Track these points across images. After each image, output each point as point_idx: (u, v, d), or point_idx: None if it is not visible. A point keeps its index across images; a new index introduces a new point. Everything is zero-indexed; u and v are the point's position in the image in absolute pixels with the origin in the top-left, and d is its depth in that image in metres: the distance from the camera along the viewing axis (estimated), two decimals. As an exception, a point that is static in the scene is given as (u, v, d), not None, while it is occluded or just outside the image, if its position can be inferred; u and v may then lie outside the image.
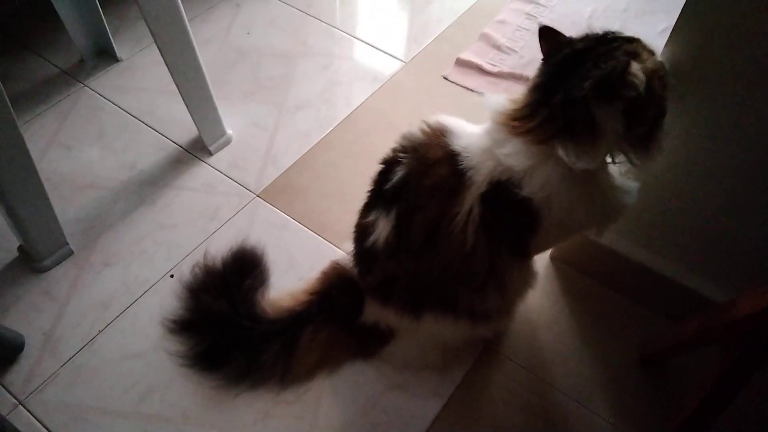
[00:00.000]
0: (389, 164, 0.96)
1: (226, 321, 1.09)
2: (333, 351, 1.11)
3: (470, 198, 0.87)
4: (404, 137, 0.96)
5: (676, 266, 1.15)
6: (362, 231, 0.99)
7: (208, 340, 1.10)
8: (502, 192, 0.85)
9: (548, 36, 0.90)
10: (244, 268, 1.17)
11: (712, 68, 0.88)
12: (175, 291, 1.19)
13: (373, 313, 1.07)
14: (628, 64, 0.76)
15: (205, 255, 1.23)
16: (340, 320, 1.11)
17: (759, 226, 1.01)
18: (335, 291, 1.12)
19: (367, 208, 1.00)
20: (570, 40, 0.88)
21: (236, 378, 1.08)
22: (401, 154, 0.94)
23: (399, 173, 0.92)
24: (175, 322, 1.14)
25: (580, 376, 1.14)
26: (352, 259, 1.07)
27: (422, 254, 0.92)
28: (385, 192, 0.94)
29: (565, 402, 1.11)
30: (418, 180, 0.91)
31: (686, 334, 0.98)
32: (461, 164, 0.88)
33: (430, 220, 0.90)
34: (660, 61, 0.85)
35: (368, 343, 1.13)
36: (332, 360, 1.12)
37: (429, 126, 0.95)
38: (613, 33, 0.87)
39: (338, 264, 1.16)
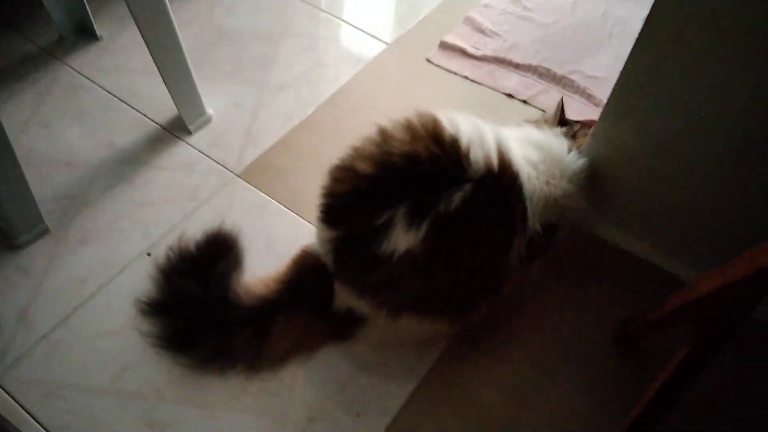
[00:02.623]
0: (435, 172, 0.91)
1: (199, 304, 1.08)
2: (306, 338, 1.11)
3: (527, 229, 0.98)
4: (469, 160, 0.92)
5: (652, 248, 1.16)
6: (362, 227, 0.95)
7: (179, 323, 1.09)
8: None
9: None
10: (217, 252, 1.16)
11: (691, 51, 0.88)
12: (151, 270, 1.17)
13: (345, 301, 1.07)
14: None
15: (179, 237, 1.22)
16: (312, 308, 1.10)
17: (734, 209, 1.03)
18: (306, 279, 1.11)
19: (370, 201, 0.94)
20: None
21: (206, 360, 1.07)
22: (466, 184, 0.91)
23: (459, 195, 0.90)
24: (147, 303, 1.12)
25: (555, 353, 1.15)
26: (325, 245, 1.03)
27: (460, 277, 0.96)
28: (426, 204, 0.90)
29: (539, 380, 1.12)
30: (483, 208, 0.92)
31: (659, 313, 0.99)
32: (524, 194, 0.98)
33: (488, 250, 0.95)
34: None
35: (343, 327, 1.13)
36: (306, 347, 1.12)
37: (499, 151, 0.95)
38: None
39: (308, 251, 1.14)
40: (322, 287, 1.08)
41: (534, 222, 0.99)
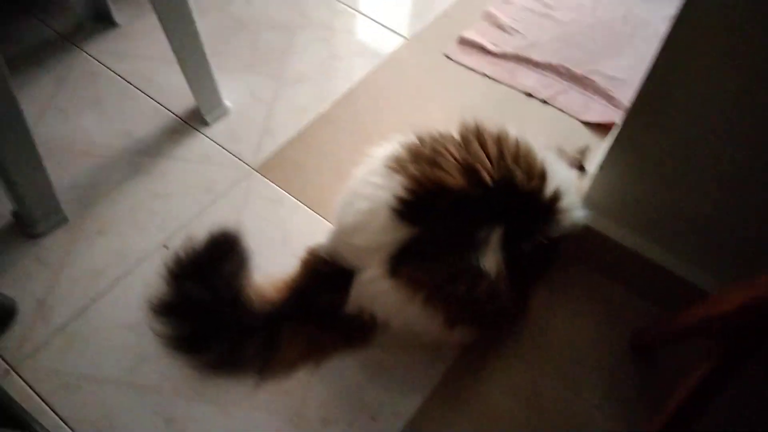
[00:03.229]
0: (527, 209, 0.98)
1: (206, 309, 1.05)
2: (315, 349, 1.09)
3: None
4: (559, 216, 1.02)
5: (671, 256, 1.16)
6: (453, 234, 0.95)
7: (187, 326, 1.06)
8: None
9: None
10: (221, 253, 1.11)
11: (718, 55, 0.87)
12: (161, 269, 1.11)
13: (360, 301, 1.04)
14: None
15: (188, 238, 1.17)
16: (321, 316, 1.07)
17: (756, 218, 1.02)
18: (314, 286, 1.08)
19: (461, 208, 0.94)
20: None
21: (214, 365, 1.06)
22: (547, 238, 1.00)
23: (536, 242, 0.98)
24: (157, 304, 1.08)
25: (571, 361, 1.15)
26: (388, 244, 0.97)
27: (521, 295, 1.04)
28: (512, 235, 0.95)
29: (555, 387, 1.12)
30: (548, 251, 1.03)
31: (678, 325, 0.98)
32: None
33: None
34: None
35: (355, 333, 1.11)
36: (316, 357, 1.10)
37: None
38: None
39: (316, 254, 1.10)
40: (331, 293, 1.05)
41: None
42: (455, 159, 0.96)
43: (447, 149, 0.97)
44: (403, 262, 0.96)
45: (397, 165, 0.98)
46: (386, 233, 0.96)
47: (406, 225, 0.94)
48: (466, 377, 1.12)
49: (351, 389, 1.10)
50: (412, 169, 0.96)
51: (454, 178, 0.93)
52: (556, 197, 0.99)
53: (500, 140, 1.00)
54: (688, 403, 0.87)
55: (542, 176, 0.99)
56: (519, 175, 0.96)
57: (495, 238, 0.93)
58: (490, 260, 0.94)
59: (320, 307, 1.06)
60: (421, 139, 1.02)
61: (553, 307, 1.22)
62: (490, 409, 1.09)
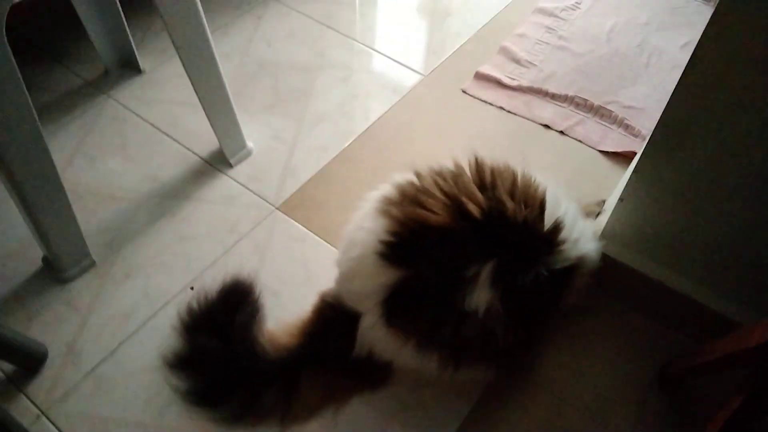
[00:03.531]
0: (523, 241, 0.94)
1: (222, 361, 1.02)
2: (336, 391, 1.07)
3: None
4: (562, 250, 0.98)
5: (698, 286, 1.14)
6: (440, 274, 0.92)
7: (204, 380, 1.02)
8: None
9: None
10: (234, 303, 1.07)
11: (736, 87, 0.87)
12: (174, 322, 1.08)
13: (367, 343, 1.02)
14: None
15: (197, 290, 1.19)
16: (337, 360, 1.05)
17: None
18: (327, 330, 1.05)
19: (448, 245, 0.91)
20: None
21: (235, 418, 1.02)
22: (547, 270, 0.94)
23: (536, 275, 0.93)
24: (172, 358, 1.04)
25: (599, 395, 1.13)
26: (378, 289, 0.95)
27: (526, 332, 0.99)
28: (505, 269, 0.91)
29: (584, 421, 1.10)
30: (551, 285, 0.97)
31: (708, 357, 0.97)
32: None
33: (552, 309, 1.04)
34: None
35: (369, 375, 1.08)
36: (336, 399, 1.07)
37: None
38: None
39: (326, 299, 1.08)
40: (340, 337, 1.03)
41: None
42: (443, 194, 0.94)
43: (437, 184, 0.95)
44: (395, 307, 0.95)
45: (384, 207, 0.97)
46: (375, 278, 0.95)
47: (394, 268, 0.92)
48: (492, 413, 1.11)
49: (377, 427, 1.09)
50: (395, 210, 0.95)
51: (437, 215, 0.91)
52: (557, 228, 0.96)
53: (496, 172, 0.97)
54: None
55: (541, 206, 0.96)
56: (510, 205, 0.92)
57: (485, 273, 0.89)
58: (480, 298, 0.89)
59: (333, 351, 1.04)
60: (418, 175, 1.00)
61: (579, 340, 1.20)
62: (519, 447, 1.08)
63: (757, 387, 0.83)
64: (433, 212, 0.92)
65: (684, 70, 0.92)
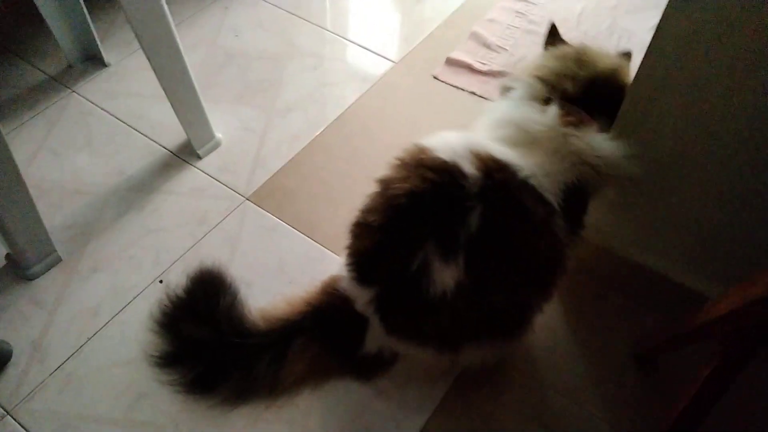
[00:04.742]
0: (442, 201, 0.89)
1: (214, 345, 1.04)
2: (320, 367, 1.08)
3: (558, 219, 0.92)
4: (462, 174, 0.89)
5: (669, 262, 1.15)
6: (403, 281, 0.91)
7: (198, 368, 1.04)
8: (572, 191, 0.95)
9: (554, 34, 1.14)
10: (213, 289, 1.10)
11: (700, 61, 0.87)
12: (152, 324, 1.09)
13: (377, 343, 1.05)
14: None
15: (166, 287, 1.19)
16: (334, 342, 1.07)
17: (751, 220, 1.01)
18: (333, 310, 1.07)
19: (397, 250, 0.91)
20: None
21: (233, 397, 1.05)
22: (473, 201, 0.87)
23: (477, 218, 0.87)
24: (161, 357, 1.06)
25: (574, 374, 1.13)
26: (367, 307, 0.99)
27: (516, 288, 0.92)
28: (452, 236, 0.87)
29: (560, 400, 1.10)
30: (516, 229, 0.89)
31: (680, 331, 0.97)
32: (544, 196, 0.92)
33: (534, 260, 0.91)
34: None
35: (369, 370, 1.10)
36: (318, 375, 1.09)
37: (483, 160, 0.91)
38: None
39: (338, 286, 1.08)
40: (348, 325, 1.05)
41: (557, 198, 0.94)
42: (376, 204, 0.94)
43: (370, 198, 0.96)
44: (386, 318, 0.98)
45: (353, 226, 1.00)
46: (360, 299, 1.00)
47: (366, 288, 0.97)
48: (468, 397, 1.10)
49: (352, 414, 1.08)
50: (353, 229, 0.99)
51: (375, 221, 0.92)
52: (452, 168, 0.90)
53: (402, 162, 0.95)
54: (692, 405, 0.86)
55: (439, 166, 0.91)
56: (418, 182, 0.89)
57: (432, 254, 0.88)
58: (445, 275, 0.88)
59: (336, 328, 1.06)
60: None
61: (555, 321, 1.20)
62: (495, 425, 1.07)
63: (726, 355, 0.83)
64: (374, 225, 0.93)
65: (648, 46, 0.92)
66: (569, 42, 1.18)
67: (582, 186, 0.97)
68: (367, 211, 0.96)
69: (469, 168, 0.89)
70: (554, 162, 0.96)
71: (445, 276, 0.87)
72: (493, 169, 0.90)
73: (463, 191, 0.88)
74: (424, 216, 0.89)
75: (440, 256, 0.87)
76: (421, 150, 0.94)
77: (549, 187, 0.93)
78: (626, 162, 0.99)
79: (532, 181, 0.91)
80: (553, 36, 1.18)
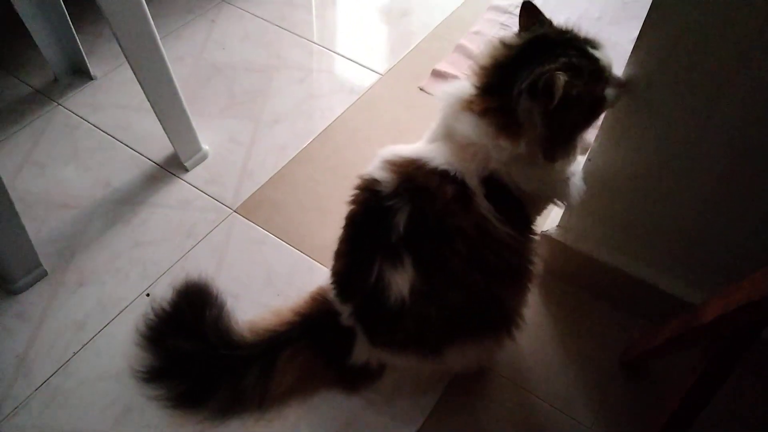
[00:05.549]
0: (373, 213, 0.93)
1: (201, 358, 1.04)
2: (309, 377, 1.09)
3: (480, 201, 0.90)
4: (377, 182, 0.92)
5: (653, 270, 1.16)
6: (369, 294, 0.94)
7: (185, 383, 1.05)
8: (493, 184, 0.90)
9: (530, 12, 0.94)
10: (198, 302, 1.11)
11: (680, 71, 0.89)
12: (137, 338, 1.12)
13: (365, 354, 1.06)
14: (553, 76, 0.79)
15: (152, 300, 1.20)
16: (322, 352, 1.08)
17: (735, 228, 1.02)
18: (321, 320, 1.08)
19: (359, 267, 0.95)
20: (546, 23, 0.94)
21: (222, 410, 1.05)
22: (392, 201, 0.90)
23: (403, 217, 0.89)
24: (147, 372, 1.07)
25: (561, 383, 1.14)
26: (353, 322, 1.03)
27: (465, 277, 0.91)
28: (390, 242, 0.90)
29: (547, 409, 1.11)
30: (435, 214, 0.89)
31: (664, 338, 0.98)
32: (457, 178, 0.90)
33: (467, 242, 0.89)
34: (590, 87, 0.86)
35: (356, 381, 1.11)
36: (308, 386, 1.10)
37: (394, 162, 0.93)
38: (584, 40, 0.91)
39: (326, 296, 1.10)
40: (336, 335, 1.06)
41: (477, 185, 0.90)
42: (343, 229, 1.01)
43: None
44: (371, 335, 1.03)
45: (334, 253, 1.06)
46: (346, 316, 1.04)
47: (346, 304, 1.03)
48: (458, 405, 1.11)
49: (341, 426, 1.08)
50: (332, 264, 1.05)
51: (341, 246, 1.01)
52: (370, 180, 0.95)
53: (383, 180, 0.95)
54: (679, 412, 0.86)
55: (367, 182, 0.96)
56: (358, 203, 0.97)
57: (382, 265, 0.91)
58: (399, 282, 0.90)
59: (324, 339, 1.07)
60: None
61: (540, 328, 1.21)
62: (484, 437, 1.07)
63: (712, 362, 0.84)
64: (343, 249, 1.01)
65: (630, 55, 0.94)
66: (553, 23, 0.98)
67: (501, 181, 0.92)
68: (339, 237, 1.03)
69: (381, 174, 0.93)
70: (465, 158, 0.91)
71: (399, 282, 0.90)
72: (402, 166, 0.93)
73: (379, 196, 0.91)
74: (366, 233, 0.95)
75: (390, 265, 0.91)
76: (359, 176, 0.99)
77: (466, 174, 0.90)
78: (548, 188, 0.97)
79: (444, 167, 0.90)
80: (530, 16, 0.94)
